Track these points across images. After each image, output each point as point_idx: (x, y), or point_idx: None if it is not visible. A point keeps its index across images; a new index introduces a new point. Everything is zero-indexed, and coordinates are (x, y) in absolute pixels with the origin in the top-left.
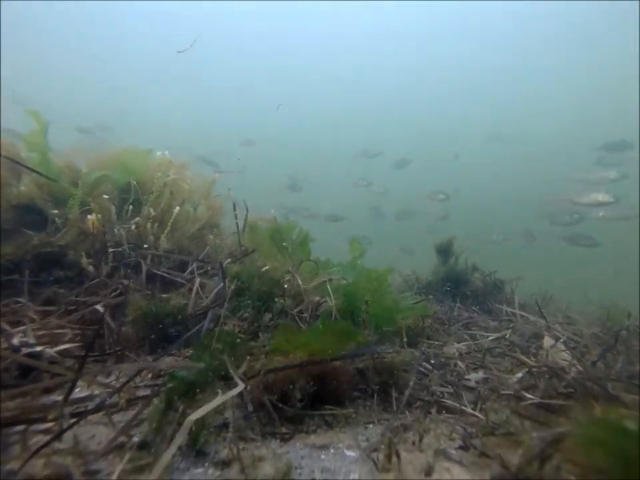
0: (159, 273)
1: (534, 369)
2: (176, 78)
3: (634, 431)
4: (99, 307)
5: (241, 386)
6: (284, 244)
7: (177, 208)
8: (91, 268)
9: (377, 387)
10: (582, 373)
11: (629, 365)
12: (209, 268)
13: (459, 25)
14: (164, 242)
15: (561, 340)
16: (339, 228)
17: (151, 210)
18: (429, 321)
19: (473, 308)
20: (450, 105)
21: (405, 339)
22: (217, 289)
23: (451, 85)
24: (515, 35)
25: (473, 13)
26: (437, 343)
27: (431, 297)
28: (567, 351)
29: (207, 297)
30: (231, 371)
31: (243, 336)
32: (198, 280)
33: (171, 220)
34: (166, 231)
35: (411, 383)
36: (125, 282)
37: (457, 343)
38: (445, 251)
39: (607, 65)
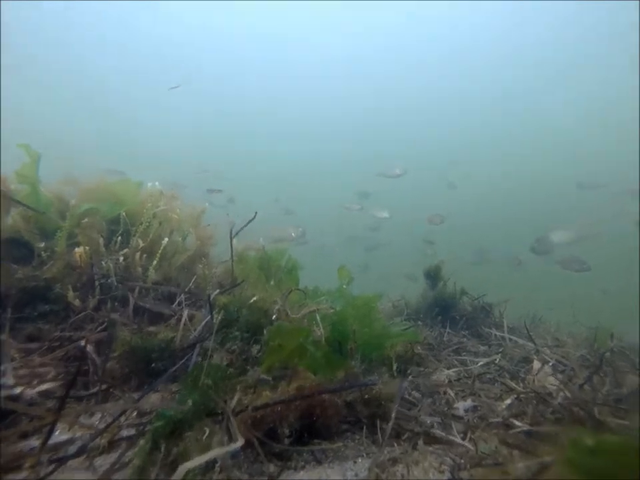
0: (146, 306)
1: (522, 395)
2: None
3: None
4: (83, 343)
5: (240, 441)
6: (272, 273)
7: (166, 239)
8: (77, 302)
9: (366, 419)
10: (568, 398)
11: (616, 388)
12: (198, 299)
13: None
14: (152, 273)
15: (550, 363)
16: (334, 253)
17: (140, 241)
18: (419, 348)
19: (463, 332)
20: (441, 127)
21: (395, 367)
22: (204, 322)
23: (444, 108)
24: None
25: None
26: (426, 369)
27: (420, 322)
28: (555, 375)
29: (195, 329)
30: (222, 409)
31: (230, 370)
32: (186, 312)
33: (160, 251)
34: (154, 263)
35: (393, 415)
36: (112, 315)
37: (447, 369)
38: (433, 276)
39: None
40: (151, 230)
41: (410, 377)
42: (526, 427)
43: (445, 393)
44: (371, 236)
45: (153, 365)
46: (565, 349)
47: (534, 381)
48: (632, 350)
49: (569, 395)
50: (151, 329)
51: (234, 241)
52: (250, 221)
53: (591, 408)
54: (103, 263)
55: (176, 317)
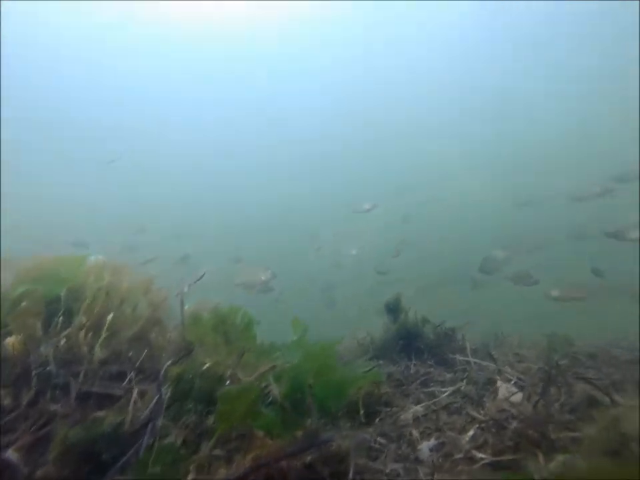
0: (93, 389)
1: (482, 424)
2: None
3: None
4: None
5: None
6: (227, 332)
7: (111, 314)
8: (7, 400)
9: (329, 478)
10: (523, 420)
11: (570, 397)
12: (151, 372)
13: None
14: (98, 352)
15: (512, 382)
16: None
17: (84, 318)
18: (386, 386)
19: (429, 362)
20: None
21: (362, 412)
22: (156, 398)
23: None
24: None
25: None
26: (394, 409)
27: (384, 359)
28: (517, 393)
29: (147, 407)
30: None
31: (182, 451)
32: (136, 390)
33: (106, 326)
34: (100, 339)
35: (351, 472)
36: (52, 407)
37: (415, 404)
38: (393, 309)
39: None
40: (96, 305)
41: (377, 420)
42: (487, 459)
43: (410, 433)
44: (332, 275)
45: (100, 457)
46: (526, 364)
47: (496, 405)
48: (584, 354)
49: (525, 415)
50: (99, 414)
51: (186, 303)
52: (199, 279)
53: (545, 428)
54: (42, 348)
55: (126, 396)
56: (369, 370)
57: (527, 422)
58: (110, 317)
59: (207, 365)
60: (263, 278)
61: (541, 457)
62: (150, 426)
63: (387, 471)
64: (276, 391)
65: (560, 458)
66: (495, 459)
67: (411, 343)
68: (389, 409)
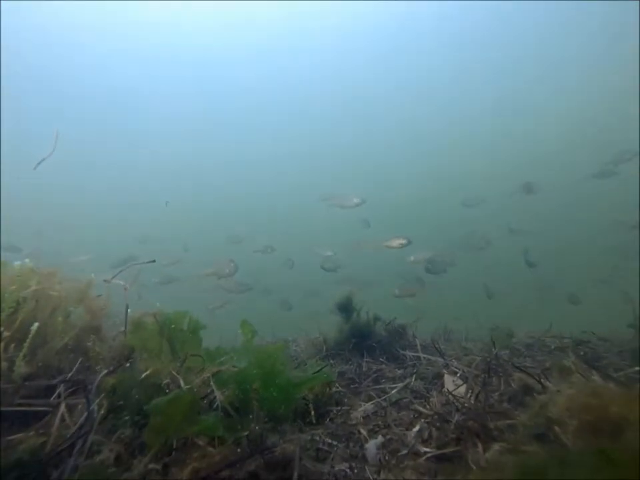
0: (10, 409)
1: (427, 419)
2: None
3: None
4: None
5: None
6: (173, 338)
7: (36, 324)
8: None
9: None
10: (465, 412)
11: (508, 386)
12: (85, 385)
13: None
14: (20, 366)
15: (458, 374)
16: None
17: (3, 330)
18: (337, 385)
19: (381, 359)
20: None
21: (313, 413)
22: (86, 413)
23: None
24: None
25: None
26: (345, 407)
27: (337, 358)
28: (463, 385)
29: (76, 423)
30: None
31: (113, 469)
32: (63, 405)
33: (29, 338)
34: (22, 353)
35: (295, 477)
36: None
37: (366, 402)
38: (345, 308)
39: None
40: (19, 315)
41: (327, 420)
42: (431, 452)
43: (359, 432)
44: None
45: None
46: (471, 357)
47: (440, 399)
48: (522, 345)
49: (467, 406)
50: (16, 437)
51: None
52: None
53: (485, 418)
54: None
55: (53, 413)
56: (319, 370)
57: (469, 414)
58: (35, 326)
59: (147, 372)
60: (227, 271)
61: (480, 447)
62: (78, 444)
63: (334, 471)
64: (220, 396)
65: (496, 447)
66: (438, 452)
67: (363, 340)
68: (339, 408)
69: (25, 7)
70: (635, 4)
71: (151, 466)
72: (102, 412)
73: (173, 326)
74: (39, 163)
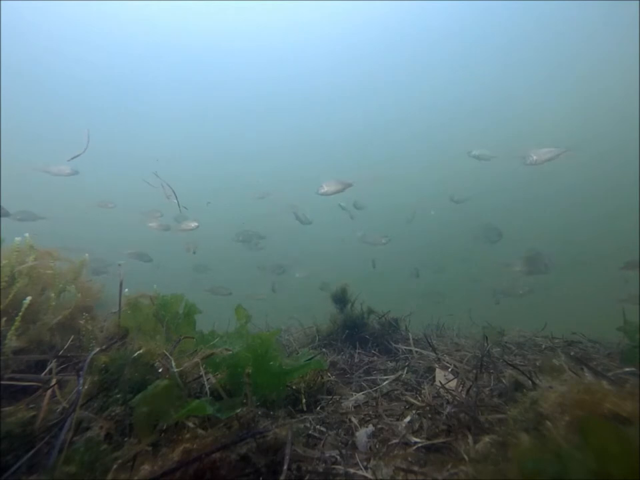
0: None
1: (419, 411)
2: None
3: None
4: None
5: None
6: (169, 320)
7: (29, 298)
8: None
9: (265, 468)
10: (456, 405)
11: (499, 382)
12: (77, 361)
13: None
14: (12, 340)
15: (449, 369)
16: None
17: None
18: (329, 374)
19: (373, 351)
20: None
21: (304, 400)
22: (76, 389)
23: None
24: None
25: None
26: (336, 397)
27: (330, 348)
28: (454, 380)
29: (66, 399)
30: None
31: (104, 446)
32: (55, 380)
33: (21, 313)
34: (14, 327)
35: (285, 466)
36: None
37: (357, 392)
38: (340, 299)
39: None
40: (12, 290)
41: (318, 408)
42: (421, 443)
43: (350, 420)
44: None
45: (4, 457)
46: (463, 352)
47: (432, 392)
48: (514, 343)
49: (459, 400)
50: (8, 409)
51: (127, 290)
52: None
53: (475, 411)
54: None
55: (43, 388)
56: (311, 358)
57: (460, 406)
58: (27, 300)
59: (139, 352)
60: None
61: (470, 439)
62: (70, 420)
63: (324, 457)
64: (212, 379)
65: (486, 439)
66: (428, 442)
67: (356, 332)
68: (330, 397)
69: (25, 6)
70: (635, 4)
71: (141, 445)
72: (93, 389)
73: (168, 308)
74: (73, 158)
